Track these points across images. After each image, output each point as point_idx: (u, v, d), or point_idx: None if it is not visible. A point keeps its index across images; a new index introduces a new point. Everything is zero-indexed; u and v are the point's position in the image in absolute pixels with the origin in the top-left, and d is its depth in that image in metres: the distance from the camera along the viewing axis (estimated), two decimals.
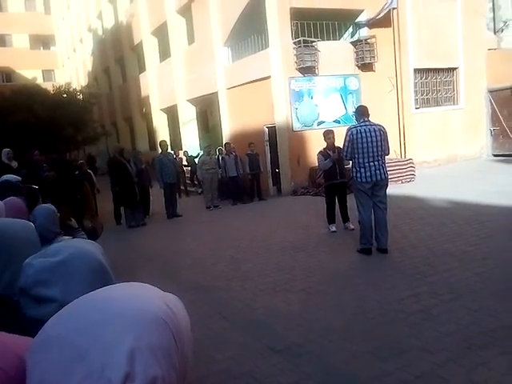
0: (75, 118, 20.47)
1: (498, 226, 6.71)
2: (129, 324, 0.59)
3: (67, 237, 2.28)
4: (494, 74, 14.81)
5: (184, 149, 16.99)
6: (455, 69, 14.83)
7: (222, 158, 12.20)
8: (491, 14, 16.66)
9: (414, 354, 3.40)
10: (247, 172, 11.99)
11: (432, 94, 14.71)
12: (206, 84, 15.79)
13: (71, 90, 23.77)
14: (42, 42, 40.26)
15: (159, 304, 0.64)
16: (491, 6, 17.34)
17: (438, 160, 14.36)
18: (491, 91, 15.03)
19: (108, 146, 27.01)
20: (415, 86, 14.23)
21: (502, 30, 15.89)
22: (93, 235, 5.26)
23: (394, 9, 13.00)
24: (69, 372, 0.57)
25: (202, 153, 13.56)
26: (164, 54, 19.91)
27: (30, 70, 37.39)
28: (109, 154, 20.66)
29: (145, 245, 8.43)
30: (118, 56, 25.41)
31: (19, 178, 4.82)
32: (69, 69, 36.91)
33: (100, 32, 27.99)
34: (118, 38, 24.40)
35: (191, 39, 17.35)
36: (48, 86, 24.42)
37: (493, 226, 6.73)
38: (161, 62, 20.56)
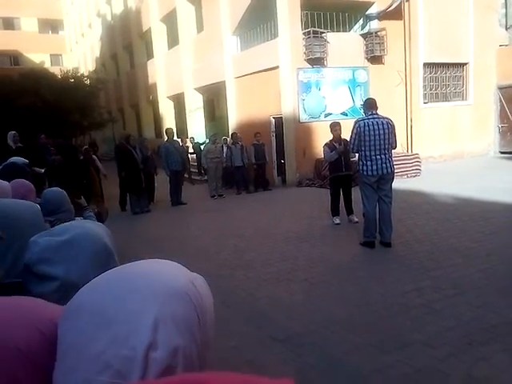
0: (82, 103, 20.44)
1: (502, 223, 6.70)
2: (154, 296, 0.62)
3: (77, 218, 2.30)
4: (504, 70, 14.68)
5: (190, 135, 16.92)
6: (465, 64, 14.69)
7: (228, 147, 12.20)
8: (503, 10, 16.47)
9: (416, 347, 3.42)
10: (252, 162, 11.97)
11: (441, 88, 14.60)
12: (213, 73, 15.73)
13: (78, 74, 23.73)
14: (51, 26, 40.12)
15: (185, 281, 0.67)
16: (504, 1, 17.14)
17: (444, 156, 14.29)
18: (501, 88, 14.91)
19: (114, 133, 27.02)
20: (424, 81, 14.12)
21: None
22: (98, 220, 5.29)
23: (406, 1, 12.87)
24: (95, 338, 0.59)
25: (208, 141, 13.53)
26: (172, 41, 19.83)
27: (38, 54, 37.32)
28: (115, 141, 20.70)
29: (149, 232, 8.46)
30: (126, 42, 25.33)
31: (27, 160, 4.83)
32: (77, 54, 36.84)
33: (109, 17, 27.88)
34: (126, 24, 24.31)
35: (200, 27, 17.26)
36: (55, 71, 24.37)
37: (498, 223, 6.71)
38: (169, 49, 20.48)
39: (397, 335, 3.62)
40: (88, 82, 23.81)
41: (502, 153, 15.07)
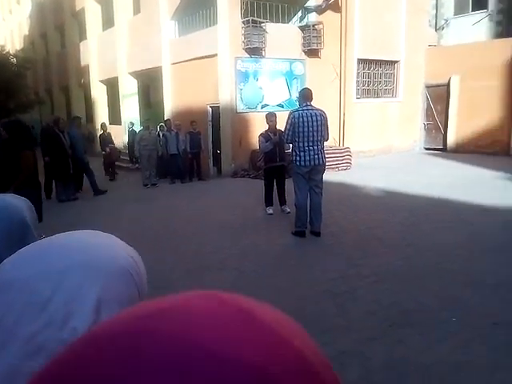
0: (8, 83, 19.24)
1: (423, 215, 7.07)
2: (96, 274, 0.57)
3: None
4: (431, 70, 15.43)
5: (129, 120, 16.27)
6: (396, 62, 15.26)
7: (163, 134, 11.95)
8: (433, 12, 17.31)
9: (339, 331, 3.54)
10: (188, 151, 11.80)
11: (373, 85, 15.09)
12: (149, 57, 15.30)
13: (4, 53, 22.27)
14: None
15: (125, 255, 0.62)
16: (434, 3, 18.02)
17: (373, 150, 14.81)
18: (428, 86, 15.66)
19: (41, 115, 25.68)
20: (357, 76, 14.53)
21: (443, 28, 16.58)
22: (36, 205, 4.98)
23: None
24: (26, 318, 0.53)
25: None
26: (107, 22, 19.04)
27: None
28: (42, 124, 19.67)
29: (74, 221, 8.11)
30: (57, 21, 23.98)
31: None
32: (3, 31, 34.43)
33: None
34: (58, 1, 23.02)
35: (137, 9, 16.68)
36: None
37: (419, 215, 7.08)
38: (103, 30, 19.67)
39: (321, 320, 3.73)
40: (15, 61, 22.44)
41: (426, 149, 15.89)
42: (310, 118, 5.96)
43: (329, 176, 8.23)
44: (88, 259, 0.58)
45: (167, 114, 14.41)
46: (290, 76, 13.10)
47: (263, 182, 7.92)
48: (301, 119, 5.95)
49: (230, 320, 0.33)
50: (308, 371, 0.32)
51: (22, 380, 0.50)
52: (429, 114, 15.78)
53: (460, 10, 18.68)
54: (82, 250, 0.60)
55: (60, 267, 0.56)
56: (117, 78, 17.97)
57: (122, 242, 0.66)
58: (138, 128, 14.46)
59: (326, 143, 6.35)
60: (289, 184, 7.00)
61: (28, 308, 0.54)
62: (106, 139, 14.17)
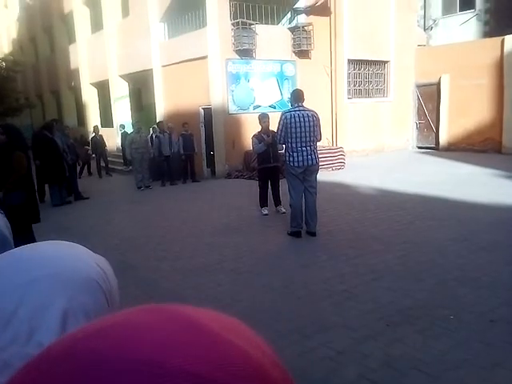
0: None
1: (418, 213, 7.11)
2: (61, 284, 0.55)
3: None
4: (421, 69, 15.52)
5: (120, 123, 16.17)
6: (386, 62, 15.34)
7: (156, 136, 11.88)
8: (422, 12, 17.42)
9: (337, 331, 3.54)
10: (181, 153, 11.76)
11: (364, 85, 15.15)
12: (140, 60, 15.25)
13: None
14: None
15: (91, 264, 0.60)
16: (423, 4, 18.15)
17: (367, 150, 14.89)
18: (418, 86, 15.76)
19: (32, 119, 25.52)
20: (348, 77, 14.58)
21: (431, 28, 16.70)
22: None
23: None
24: None
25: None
26: (96, 25, 18.93)
27: None
28: (32, 128, 19.54)
29: (71, 224, 8.07)
30: (46, 25, 23.83)
31: None
32: None
33: None
34: (46, 5, 22.87)
35: (126, 11, 16.61)
36: None
37: (413, 213, 7.12)
38: (92, 33, 19.56)
39: (319, 320, 3.73)
40: (3, 64, 22.28)
41: (419, 147, 15.98)
42: (302, 119, 5.97)
43: (323, 176, 8.25)
44: (52, 271, 0.57)
45: (159, 117, 14.38)
46: (281, 77, 13.12)
47: (257, 182, 7.92)
48: (293, 120, 5.96)
49: (167, 329, 0.33)
50: (254, 371, 0.31)
51: None
52: (420, 113, 15.87)
53: (448, 10, 18.85)
54: (46, 262, 0.58)
55: (24, 281, 0.55)
56: (107, 80, 17.89)
57: (88, 251, 0.65)
58: (129, 130, 14.38)
59: (319, 143, 6.37)
60: (283, 184, 7.01)
61: None
62: (98, 142, 14.12)
